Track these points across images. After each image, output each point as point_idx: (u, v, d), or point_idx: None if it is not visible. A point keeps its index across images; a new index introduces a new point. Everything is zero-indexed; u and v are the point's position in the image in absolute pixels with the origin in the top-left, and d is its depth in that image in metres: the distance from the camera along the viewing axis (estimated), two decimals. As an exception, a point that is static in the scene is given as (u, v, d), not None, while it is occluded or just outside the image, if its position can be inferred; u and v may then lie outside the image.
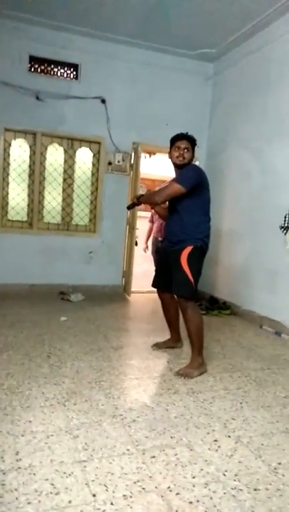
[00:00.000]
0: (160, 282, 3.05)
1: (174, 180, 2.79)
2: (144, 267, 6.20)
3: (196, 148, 2.89)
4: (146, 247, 6.21)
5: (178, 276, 2.75)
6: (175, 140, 2.85)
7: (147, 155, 5.72)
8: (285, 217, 3.64)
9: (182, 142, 2.81)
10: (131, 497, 1.51)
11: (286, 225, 3.64)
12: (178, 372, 2.69)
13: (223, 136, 5.04)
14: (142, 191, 4.48)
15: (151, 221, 6.21)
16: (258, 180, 4.35)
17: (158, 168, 7.71)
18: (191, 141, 2.84)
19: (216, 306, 4.63)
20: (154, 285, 3.11)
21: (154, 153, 5.68)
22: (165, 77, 5.13)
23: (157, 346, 3.22)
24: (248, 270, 4.40)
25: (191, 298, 2.74)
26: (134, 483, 1.59)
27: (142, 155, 5.25)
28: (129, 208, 3.23)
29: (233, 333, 3.85)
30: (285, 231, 3.69)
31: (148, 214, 6.38)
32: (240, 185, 4.67)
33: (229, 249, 4.86)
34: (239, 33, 4.40)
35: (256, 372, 2.86)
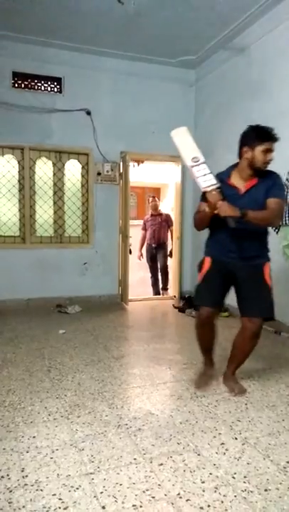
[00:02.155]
0: (213, 298, 2.48)
1: (272, 196, 2.26)
2: (139, 275, 6.20)
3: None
4: (141, 254, 6.22)
5: (264, 294, 2.37)
6: (267, 138, 2.24)
7: (136, 163, 5.73)
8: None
9: (274, 144, 2.26)
10: (141, 506, 1.48)
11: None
12: (236, 393, 2.45)
13: (209, 141, 5.07)
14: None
15: (144, 228, 6.23)
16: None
17: (147, 176, 7.75)
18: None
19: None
20: (201, 302, 2.49)
21: (143, 162, 5.70)
22: (148, 86, 5.19)
23: (200, 385, 2.59)
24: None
25: (272, 319, 2.46)
26: (144, 492, 1.57)
27: (131, 164, 5.27)
28: (231, 226, 2.23)
29: (232, 335, 3.81)
30: (276, 230, 3.72)
31: (140, 222, 6.40)
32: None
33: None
34: (217, 39, 4.47)
35: (258, 372, 2.85)
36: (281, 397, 2.46)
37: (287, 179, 3.47)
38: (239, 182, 2.37)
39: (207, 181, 2.25)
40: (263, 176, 2.32)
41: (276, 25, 3.81)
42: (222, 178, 2.37)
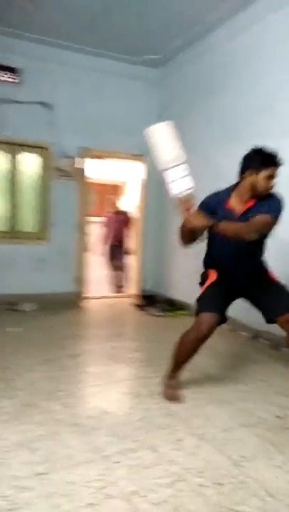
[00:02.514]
0: (219, 305, 2.33)
1: (261, 212, 2.16)
2: (99, 273, 6.13)
3: None
4: (103, 252, 6.15)
5: (281, 290, 2.32)
6: (270, 163, 2.18)
7: (96, 160, 5.66)
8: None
9: (276, 169, 2.20)
10: (96, 505, 1.45)
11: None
12: None
13: (172, 141, 5.12)
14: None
15: (107, 226, 6.17)
16: (209, 184, 4.44)
17: (108, 173, 7.69)
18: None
19: (173, 307, 4.66)
20: (206, 308, 2.28)
21: (103, 158, 5.64)
22: (112, 83, 5.14)
23: (179, 397, 2.38)
24: (202, 270, 4.47)
25: None
26: (98, 490, 1.53)
27: (91, 160, 5.20)
28: (199, 240, 2.32)
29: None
30: None
31: (100, 219, 6.33)
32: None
33: (184, 253, 4.91)
34: (182, 40, 4.51)
35: (215, 369, 2.89)
36: (236, 393, 2.50)
37: None
38: (238, 204, 2.30)
39: (181, 185, 2.09)
40: (264, 197, 2.24)
41: (240, 31, 3.90)
42: (223, 197, 2.34)
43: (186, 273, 4.83)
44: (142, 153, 5.26)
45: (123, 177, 7.96)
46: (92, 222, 5.44)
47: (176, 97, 5.05)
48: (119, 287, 6.06)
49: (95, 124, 5.05)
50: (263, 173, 2.17)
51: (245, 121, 3.87)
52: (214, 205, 2.32)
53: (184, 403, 2.31)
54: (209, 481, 1.62)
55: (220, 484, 1.60)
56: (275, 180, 2.21)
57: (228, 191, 2.37)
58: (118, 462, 1.72)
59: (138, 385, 2.56)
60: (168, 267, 5.20)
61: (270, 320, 2.33)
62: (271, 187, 2.21)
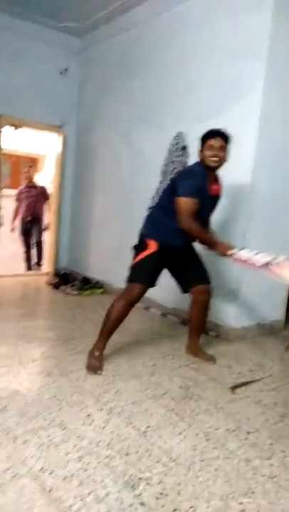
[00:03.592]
0: (151, 279, 2.63)
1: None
2: (11, 249, 5.86)
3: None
4: (14, 227, 5.87)
5: (202, 264, 2.74)
6: (208, 136, 2.46)
7: (12, 128, 5.31)
8: (153, 199, 3.83)
9: (217, 140, 2.43)
10: (2, 485, 1.44)
11: (153, 206, 3.83)
12: (208, 360, 2.78)
13: (92, 115, 5.01)
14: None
15: (18, 200, 5.88)
16: (127, 164, 4.46)
17: (24, 144, 7.28)
18: (227, 140, 2.47)
19: (89, 285, 4.66)
20: (140, 279, 2.57)
21: (20, 127, 5.31)
22: (28, 47, 4.80)
23: (101, 368, 2.53)
24: (119, 250, 4.52)
25: None
26: (5, 471, 1.52)
27: (6, 128, 4.87)
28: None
29: (105, 310, 3.93)
30: (151, 211, 3.89)
31: (14, 192, 6.01)
32: (110, 169, 4.72)
33: (102, 231, 4.92)
34: (105, 12, 4.36)
35: (128, 345, 2.99)
36: (146, 367, 2.63)
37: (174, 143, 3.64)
38: (210, 185, 2.56)
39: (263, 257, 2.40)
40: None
41: (161, 10, 3.89)
42: (204, 180, 2.51)
43: (103, 251, 4.86)
44: (59, 124, 5.07)
45: (42, 150, 7.61)
46: (5, 195, 5.14)
47: (98, 70, 4.92)
48: (35, 265, 5.88)
49: (10, 89, 4.71)
50: (206, 147, 2.46)
51: (164, 103, 3.93)
52: (201, 189, 2.49)
53: (95, 380, 2.37)
54: (116, 452, 1.70)
55: (127, 454, 1.70)
56: (218, 152, 2.44)
57: (202, 174, 2.51)
58: (26, 442, 1.72)
59: (50, 364, 2.55)
60: (84, 244, 5.17)
61: (186, 291, 2.75)
62: (211, 157, 2.44)
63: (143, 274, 2.58)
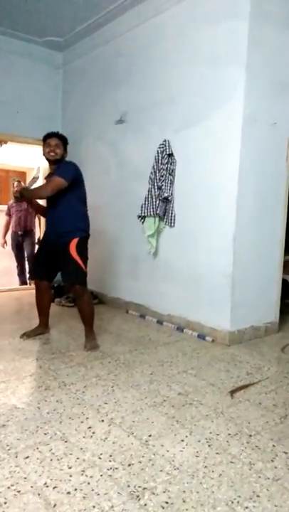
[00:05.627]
0: (41, 271, 3.26)
1: (53, 175, 3.00)
2: (3, 264, 5.84)
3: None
4: (5, 242, 5.86)
5: (70, 265, 3.03)
6: (45, 138, 3.09)
7: (-1, 144, 5.34)
8: (142, 207, 3.85)
9: (52, 139, 3.07)
10: (6, 503, 1.43)
11: (142, 214, 3.85)
12: (88, 349, 3.03)
13: (78, 127, 5.03)
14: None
15: (8, 214, 5.88)
16: (116, 173, 4.49)
17: (11, 158, 7.28)
18: (62, 139, 3.11)
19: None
20: (33, 273, 3.42)
21: (6, 142, 5.33)
22: (12, 63, 4.85)
23: (26, 335, 3.32)
24: (112, 259, 4.54)
25: (85, 284, 3.12)
26: (8, 488, 1.51)
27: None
28: (16, 199, 3.41)
29: (101, 321, 3.92)
30: (142, 220, 3.91)
31: (4, 207, 6.01)
32: (99, 178, 4.74)
33: (93, 242, 4.90)
34: (86, 24, 4.42)
35: (124, 355, 2.98)
36: (144, 376, 2.62)
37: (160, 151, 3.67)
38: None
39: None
40: (58, 166, 3.07)
41: (142, 21, 3.95)
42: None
43: (95, 261, 4.85)
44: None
45: (30, 163, 7.62)
46: (-5, 210, 5.14)
47: (82, 82, 4.96)
48: (29, 279, 5.84)
49: (-5, 105, 4.75)
50: (44, 146, 3.09)
51: (149, 112, 3.97)
52: None
53: (95, 391, 2.36)
54: (119, 464, 1.69)
55: (130, 465, 1.69)
56: (54, 148, 3.05)
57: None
58: (28, 457, 1.71)
59: (48, 378, 2.54)
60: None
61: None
62: (49, 152, 3.05)
63: (34, 270, 3.53)
